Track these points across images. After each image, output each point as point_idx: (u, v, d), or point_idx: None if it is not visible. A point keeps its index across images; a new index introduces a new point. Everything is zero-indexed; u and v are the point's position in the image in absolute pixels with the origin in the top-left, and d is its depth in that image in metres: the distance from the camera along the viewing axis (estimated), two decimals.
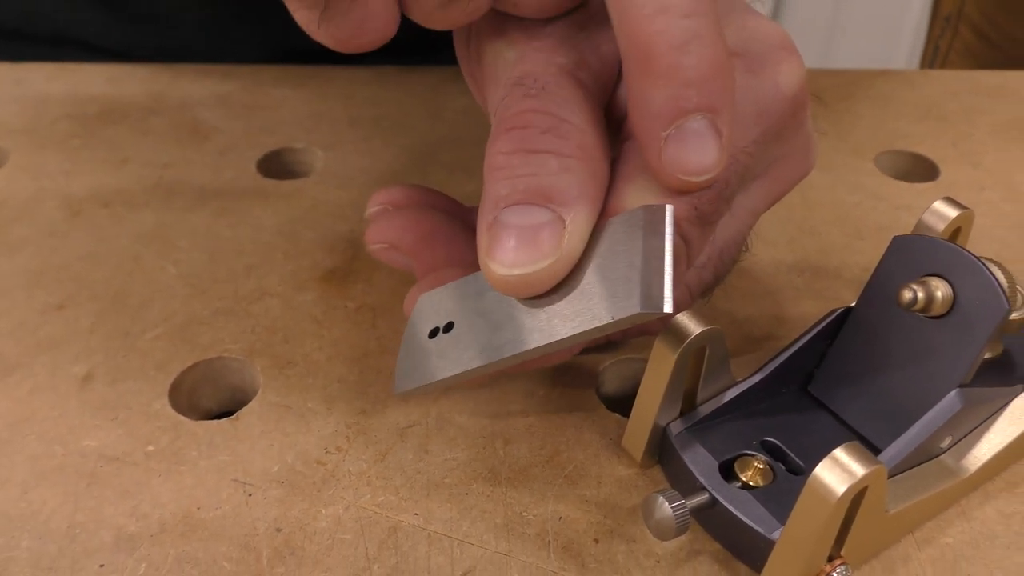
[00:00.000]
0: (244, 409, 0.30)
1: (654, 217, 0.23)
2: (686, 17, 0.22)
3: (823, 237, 0.38)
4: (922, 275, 0.26)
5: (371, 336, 0.33)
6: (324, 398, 0.30)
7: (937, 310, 0.26)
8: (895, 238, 0.28)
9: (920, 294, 0.26)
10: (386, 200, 0.31)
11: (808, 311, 0.34)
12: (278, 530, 0.26)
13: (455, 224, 0.30)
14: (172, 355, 0.32)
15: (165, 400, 0.30)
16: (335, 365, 0.31)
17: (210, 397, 0.32)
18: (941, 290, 0.26)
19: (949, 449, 0.27)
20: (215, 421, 0.30)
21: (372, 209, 0.31)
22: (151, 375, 0.31)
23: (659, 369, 0.26)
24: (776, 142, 0.29)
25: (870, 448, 0.27)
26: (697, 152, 0.23)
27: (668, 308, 0.22)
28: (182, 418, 0.30)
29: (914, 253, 0.27)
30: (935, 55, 0.86)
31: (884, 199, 0.41)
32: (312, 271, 0.36)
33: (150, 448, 0.29)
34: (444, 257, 0.29)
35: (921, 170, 0.43)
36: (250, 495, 0.27)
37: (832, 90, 0.48)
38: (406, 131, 0.44)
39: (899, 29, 1.31)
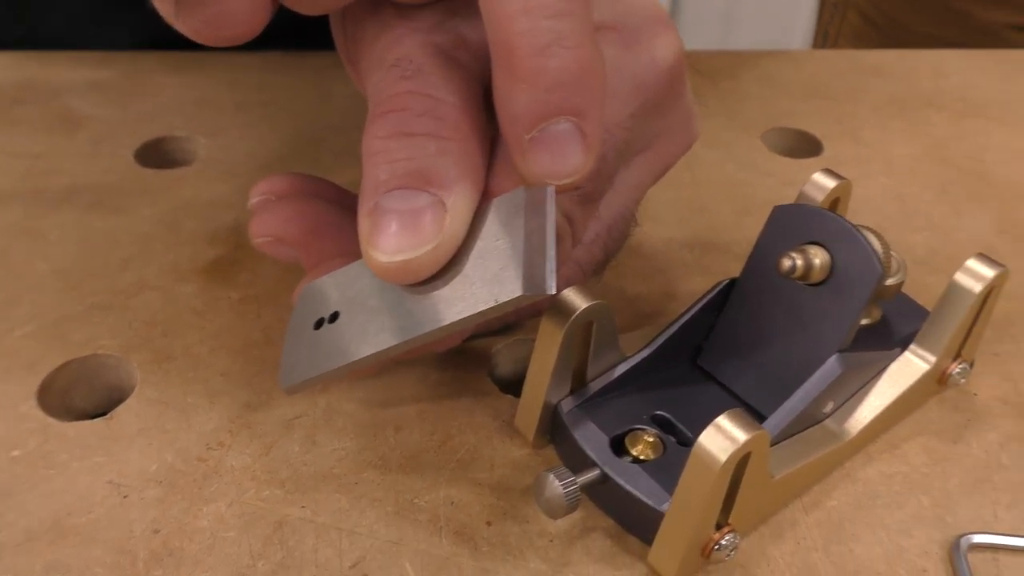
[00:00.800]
0: (120, 407, 0.29)
1: (536, 197, 0.23)
2: (550, 18, 0.22)
3: (712, 214, 0.39)
4: (801, 243, 0.27)
5: (256, 327, 0.32)
6: (206, 392, 0.29)
7: (816, 277, 0.26)
8: (775, 208, 0.28)
9: (799, 262, 0.26)
10: (269, 190, 0.30)
11: (698, 287, 0.34)
12: (156, 531, 0.25)
13: (342, 213, 0.29)
14: (42, 354, 0.30)
15: (33, 401, 0.29)
16: (218, 358, 0.30)
17: (85, 397, 0.30)
18: (819, 257, 0.26)
19: (832, 414, 0.28)
20: (88, 422, 0.28)
21: (254, 200, 0.30)
22: (18, 375, 0.29)
23: (547, 346, 0.26)
24: (655, 116, 0.29)
25: (757, 417, 0.28)
26: (560, 156, 0.23)
27: (551, 289, 0.22)
28: (52, 420, 0.28)
29: (793, 222, 0.27)
30: (825, 40, 0.89)
31: (771, 175, 0.41)
32: (193, 262, 0.34)
33: (15, 453, 0.27)
34: (332, 248, 0.28)
35: (806, 146, 0.44)
36: (125, 496, 0.26)
37: (721, 70, 0.49)
38: (294, 117, 0.43)
39: (793, 15, 1.35)
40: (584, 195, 0.27)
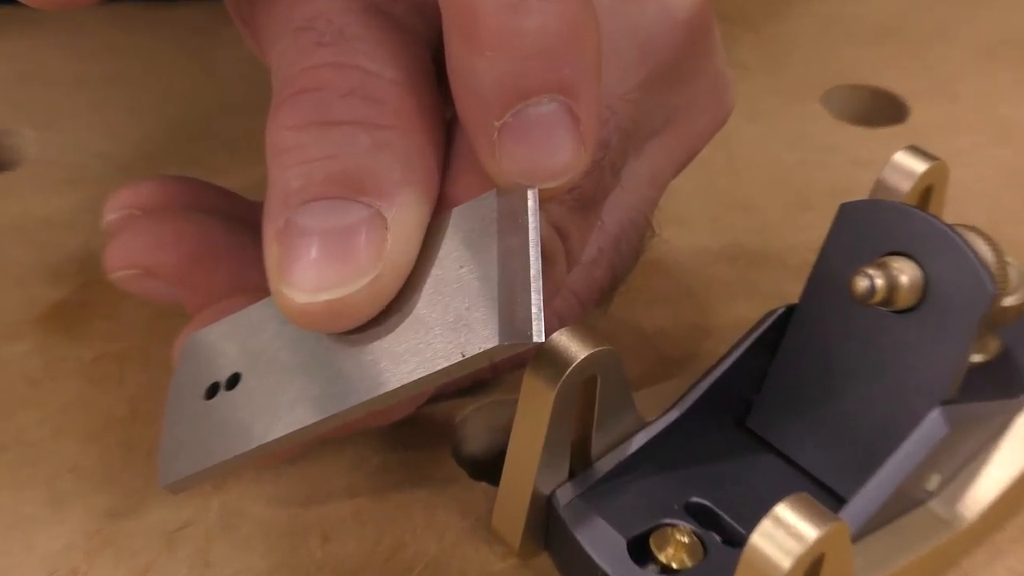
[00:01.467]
0: None
1: (513, 205, 0.24)
2: None
3: (758, 211, 0.39)
4: (881, 255, 0.27)
5: (118, 398, 0.32)
6: (50, 497, 0.29)
7: (903, 301, 0.27)
8: (843, 207, 0.28)
9: (878, 281, 0.26)
10: (132, 202, 0.30)
11: (742, 315, 0.35)
12: None
13: (239, 232, 0.29)
14: None
15: None
16: (65, 445, 0.31)
17: None
18: (907, 274, 0.27)
19: (938, 492, 0.28)
20: None
21: (112, 216, 0.30)
22: None
23: (533, 414, 0.26)
24: (673, 84, 0.30)
25: (832, 499, 0.28)
26: (543, 148, 0.23)
27: (539, 335, 0.22)
28: None
29: (869, 225, 0.28)
30: None
31: (837, 152, 0.42)
32: (26, 309, 0.35)
33: None
34: (226, 283, 0.29)
35: (884, 109, 0.45)
36: None
37: (762, 13, 0.50)
38: (163, 96, 0.43)
39: None
40: (580, 198, 0.27)
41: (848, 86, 0.46)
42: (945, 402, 0.27)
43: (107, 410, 0.32)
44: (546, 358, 0.26)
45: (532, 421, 0.26)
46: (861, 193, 0.32)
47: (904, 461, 0.27)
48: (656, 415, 0.29)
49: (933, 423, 0.27)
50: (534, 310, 0.22)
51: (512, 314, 0.22)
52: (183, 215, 0.30)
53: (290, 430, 0.24)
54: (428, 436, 0.31)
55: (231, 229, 0.29)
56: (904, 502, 0.27)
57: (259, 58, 0.29)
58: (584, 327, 0.27)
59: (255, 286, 0.28)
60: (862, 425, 0.28)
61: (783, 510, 0.23)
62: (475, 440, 0.32)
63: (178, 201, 0.31)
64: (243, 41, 0.30)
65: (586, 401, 0.27)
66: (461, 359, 0.23)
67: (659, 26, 0.27)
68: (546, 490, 0.27)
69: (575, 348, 0.26)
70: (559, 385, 0.26)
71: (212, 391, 0.26)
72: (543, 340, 0.22)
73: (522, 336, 0.22)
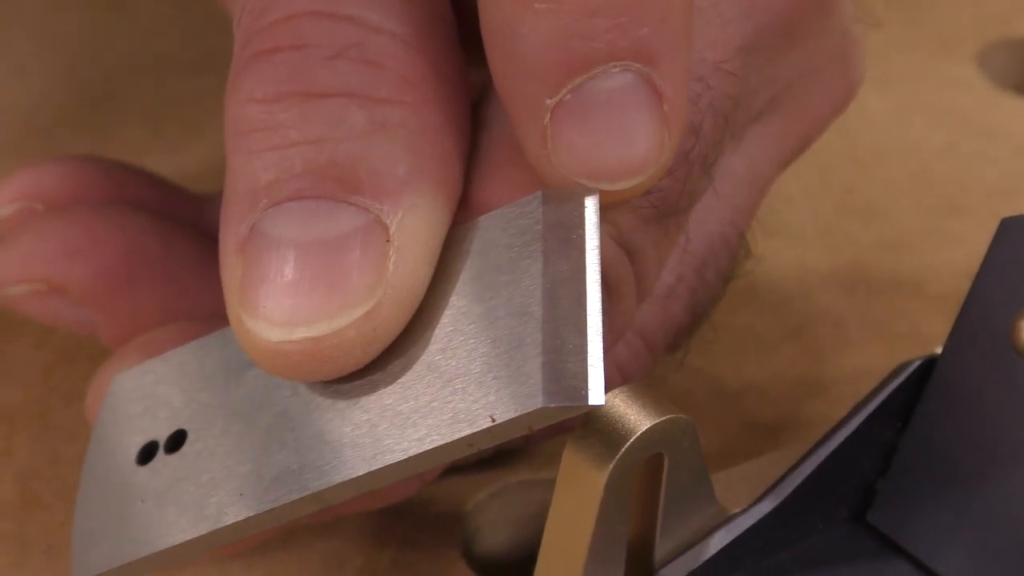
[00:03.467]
0: None
1: (564, 213, 0.24)
2: None
3: (887, 219, 0.40)
4: None
5: (4, 475, 0.33)
6: None
7: None
8: (1004, 223, 0.29)
9: None
10: (32, 193, 0.31)
11: (863, 366, 0.36)
12: None
13: (177, 236, 0.31)
14: None
15: None
16: None
17: None
18: None
19: None
20: None
21: (2, 211, 0.32)
22: None
23: (576, 505, 0.27)
24: (784, 49, 0.30)
25: None
26: (615, 136, 0.24)
27: (596, 397, 0.23)
28: None
29: None
30: None
31: (1000, 135, 0.43)
32: None
33: None
34: (157, 306, 0.30)
35: None
36: None
37: None
38: (57, 45, 0.45)
39: None
40: (660, 205, 0.28)
41: (1015, 39, 0.47)
42: None
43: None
44: (595, 428, 0.27)
45: (574, 514, 0.27)
46: None
47: None
48: (744, 505, 0.29)
49: None
50: (592, 360, 0.23)
51: (561, 366, 0.23)
52: (101, 212, 0.30)
53: (253, 512, 0.25)
54: (430, 528, 0.32)
55: (166, 232, 0.30)
56: None
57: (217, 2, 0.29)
58: (649, 385, 0.27)
59: (200, 312, 0.29)
60: (1021, 523, 0.29)
61: None
62: (493, 534, 0.33)
63: (94, 192, 0.31)
64: None
65: (649, 488, 0.28)
66: (490, 425, 0.23)
67: None
68: None
69: (634, 416, 0.27)
70: (612, 467, 0.26)
71: (147, 454, 0.27)
72: (602, 403, 0.23)
73: (574, 397, 0.23)
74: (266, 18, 0.26)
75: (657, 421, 0.27)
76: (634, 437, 0.26)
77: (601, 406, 0.24)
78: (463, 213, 0.26)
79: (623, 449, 0.26)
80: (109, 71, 0.44)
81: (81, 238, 0.30)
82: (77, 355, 0.35)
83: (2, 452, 0.34)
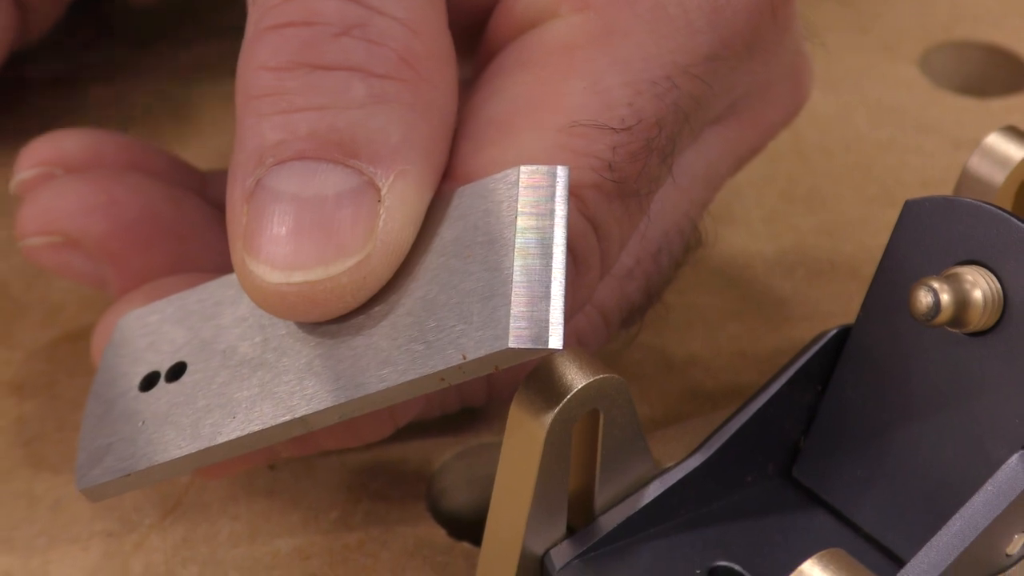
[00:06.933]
0: None
1: (538, 185, 0.26)
2: None
3: (827, 207, 0.42)
4: (952, 264, 0.30)
5: (16, 441, 0.35)
6: None
7: (977, 321, 0.29)
8: (907, 204, 0.31)
9: (944, 296, 0.29)
10: (53, 158, 0.33)
11: (799, 339, 0.37)
12: None
13: (186, 203, 0.32)
14: None
15: None
16: None
17: None
18: (981, 287, 0.29)
19: (1022, 557, 0.30)
20: None
21: (26, 174, 0.33)
22: None
23: (521, 455, 0.29)
24: (745, 61, 0.32)
25: (891, 563, 0.31)
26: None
27: (557, 341, 0.25)
28: None
29: (939, 229, 0.30)
30: None
31: (936, 130, 0.45)
32: None
33: None
34: (165, 263, 0.32)
35: (1002, 74, 0.47)
36: None
37: None
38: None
39: None
40: (622, 183, 0.30)
41: (955, 44, 0.48)
42: None
43: (2, 454, 0.34)
44: (537, 385, 0.28)
45: (519, 463, 0.29)
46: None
47: (976, 517, 0.28)
48: (675, 461, 0.31)
49: (1012, 471, 0.29)
50: (555, 311, 0.25)
51: (526, 314, 0.25)
52: (117, 175, 0.32)
53: (246, 431, 0.27)
54: (400, 485, 0.34)
55: (176, 198, 0.32)
56: (978, 568, 0.29)
57: None
58: (588, 352, 0.29)
59: (196, 266, 0.31)
60: (928, 473, 0.30)
61: (812, 568, 0.26)
62: (456, 491, 0.35)
63: (110, 160, 0.33)
64: None
65: (588, 442, 0.30)
66: (461, 362, 0.25)
67: None
68: (538, 550, 0.30)
69: (572, 374, 0.28)
70: (551, 419, 0.28)
71: (149, 382, 0.29)
72: (560, 347, 0.25)
73: (537, 339, 0.25)
74: None
75: (592, 379, 0.28)
76: (571, 393, 0.28)
77: (557, 351, 0.26)
78: (448, 183, 0.28)
79: (561, 403, 0.28)
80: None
81: (98, 197, 0.31)
82: (81, 334, 0.37)
83: (14, 419, 0.35)
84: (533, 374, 0.29)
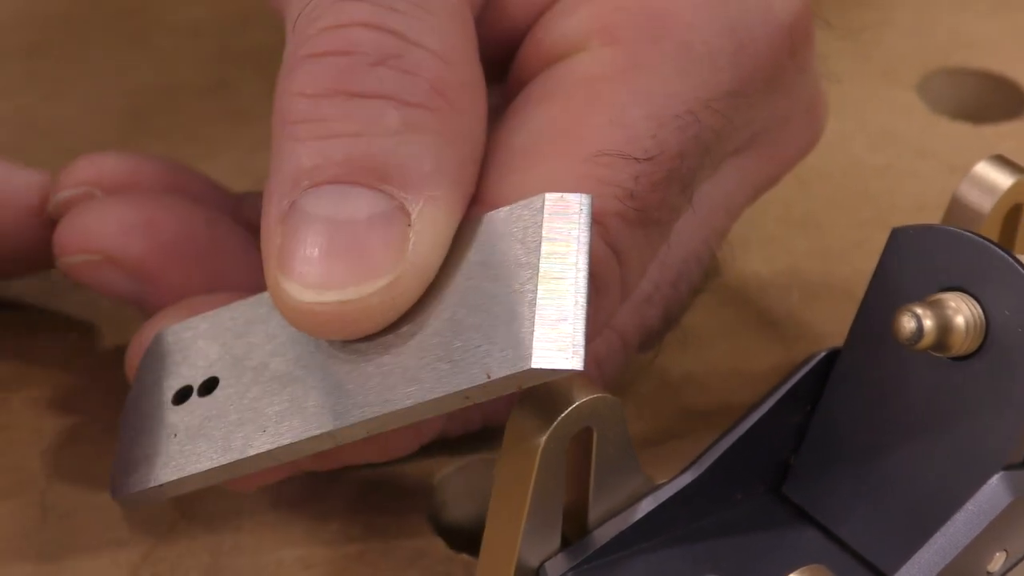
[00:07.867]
0: None
1: (562, 212, 0.27)
2: None
3: (823, 231, 0.42)
4: (935, 290, 0.30)
5: (31, 453, 0.35)
6: None
7: (959, 346, 0.30)
8: (894, 232, 0.32)
9: (927, 322, 0.29)
10: (93, 178, 0.34)
11: (792, 360, 0.36)
12: None
13: (223, 226, 0.33)
14: None
15: None
16: None
17: None
18: (964, 313, 0.30)
19: (1004, 574, 0.31)
20: None
21: (66, 194, 0.34)
22: None
23: (517, 470, 0.29)
24: (766, 97, 0.33)
25: None
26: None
27: (578, 363, 0.26)
28: None
29: (923, 256, 0.31)
30: None
31: (933, 156, 0.45)
32: None
33: None
34: (201, 283, 0.32)
35: (1000, 100, 0.48)
36: None
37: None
38: (77, 73, 0.46)
39: None
40: (643, 211, 0.31)
41: (952, 70, 0.48)
42: (1009, 466, 0.30)
43: (19, 464, 0.35)
44: (532, 404, 0.29)
45: (515, 478, 0.29)
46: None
47: (958, 534, 0.29)
48: (668, 478, 0.32)
49: (994, 490, 0.29)
50: (576, 333, 0.26)
51: (550, 336, 0.26)
52: (155, 197, 0.33)
53: (276, 445, 0.28)
54: (401, 498, 0.35)
55: (212, 220, 0.33)
56: None
57: (270, 5, 0.31)
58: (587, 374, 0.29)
59: (231, 285, 0.32)
60: (912, 492, 0.31)
61: None
62: (457, 505, 0.36)
63: (148, 182, 0.34)
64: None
65: (582, 459, 0.30)
66: (486, 381, 0.26)
67: (760, 27, 0.31)
68: (533, 562, 0.30)
69: (567, 393, 0.29)
70: (547, 436, 0.29)
71: (183, 395, 0.30)
72: (581, 368, 0.26)
73: (560, 361, 0.26)
74: (319, 24, 0.28)
75: (587, 399, 0.29)
76: (566, 411, 0.29)
77: (578, 370, 0.26)
78: (476, 208, 0.28)
79: (556, 421, 0.29)
80: (133, 98, 0.46)
81: (137, 218, 0.32)
82: (94, 348, 0.38)
83: (31, 431, 0.36)
84: (529, 393, 0.29)
